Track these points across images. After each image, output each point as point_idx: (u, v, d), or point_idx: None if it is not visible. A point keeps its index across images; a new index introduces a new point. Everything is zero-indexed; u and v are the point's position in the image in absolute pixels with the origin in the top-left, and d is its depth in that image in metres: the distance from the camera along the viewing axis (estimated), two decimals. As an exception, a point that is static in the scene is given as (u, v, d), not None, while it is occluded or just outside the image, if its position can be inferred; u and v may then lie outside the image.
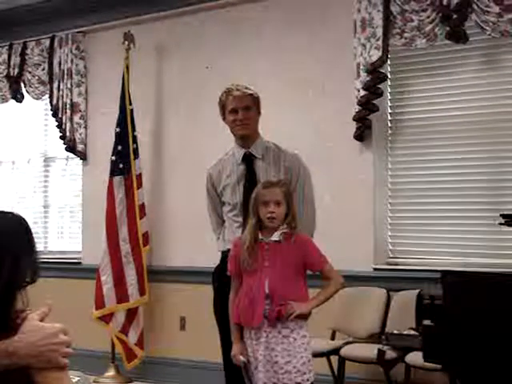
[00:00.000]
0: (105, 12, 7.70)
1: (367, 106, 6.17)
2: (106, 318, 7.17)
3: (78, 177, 8.19)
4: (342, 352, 5.78)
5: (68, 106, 7.92)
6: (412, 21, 5.95)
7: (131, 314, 7.18)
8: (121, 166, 7.23)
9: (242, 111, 4.66)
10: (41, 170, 8.59)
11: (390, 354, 5.52)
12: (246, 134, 4.70)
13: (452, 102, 6.14)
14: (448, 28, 5.77)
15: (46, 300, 2.06)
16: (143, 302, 7.22)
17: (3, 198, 8.73)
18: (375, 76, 6.11)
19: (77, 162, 8.15)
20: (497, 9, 5.55)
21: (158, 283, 7.32)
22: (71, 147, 7.94)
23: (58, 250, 8.36)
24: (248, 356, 4.18)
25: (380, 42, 6.05)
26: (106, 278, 7.16)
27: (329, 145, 6.46)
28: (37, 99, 8.32)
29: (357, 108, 6.21)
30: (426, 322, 4.68)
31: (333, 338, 6.14)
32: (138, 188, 7.26)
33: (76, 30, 7.97)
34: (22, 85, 8.33)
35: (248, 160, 4.70)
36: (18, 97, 8.37)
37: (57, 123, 8.02)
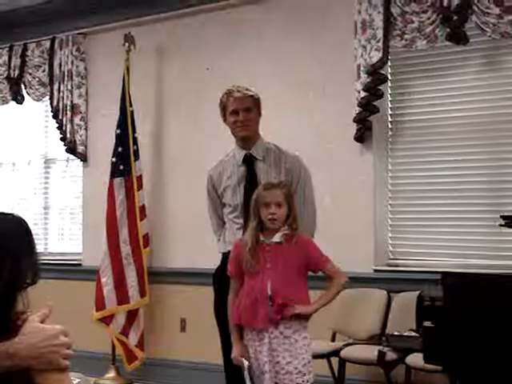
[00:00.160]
0: (105, 13, 7.70)
1: (368, 108, 6.17)
2: (107, 320, 7.17)
3: (79, 178, 8.18)
4: (343, 353, 5.78)
5: (68, 107, 7.92)
6: (412, 22, 5.95)
7: (132, 316, 7.18)
8: (121, 167, 7.23)
9: (242, 112, 4.66)
10: (41, 171, 8.59)
11: (391, 355, 5.52)
12: (246, 136, 4.70)
13: (452, 103, 6.14)
14: (448, 29, 5.77)
15: (46, 302, 2.06)
16: (144, 303, 7.22)
17: (3, 199, 8.73)
18: (376, 77, 6.11)
19: (77, 163, 8.15)
20: (497, 10, 5.55)
21: (158, 285, 7.32)
22: (71, 149, 7.94)
23: (59, 252, 8.36)
24: (249, 357, 4.18)
25: (380, 44, 6.05)
26: (107, 280, 7.16)
27: (329, 146, 6.46)
28: (37, 101, 8.33)
29: (357, 109, 6.21)
30: (427, 324, 4.68)
31: (333, 340, 6.14)
32: (139, 190, 7.26)
33: (76, 32, 7.97)
34: (23, 86, 8.34)
35: (249, 161, 4.70)
36: (18, 98, 8.37)
37: (57, 125, 8.02)
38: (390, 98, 6.40)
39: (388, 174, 6.39)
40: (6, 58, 8.41)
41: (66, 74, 7.94)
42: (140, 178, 7.30)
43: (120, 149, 7.25)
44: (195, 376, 7.01)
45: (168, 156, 7.47)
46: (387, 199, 6.38)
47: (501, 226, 4.90)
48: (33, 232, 2.12)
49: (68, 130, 7.93)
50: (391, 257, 6.35)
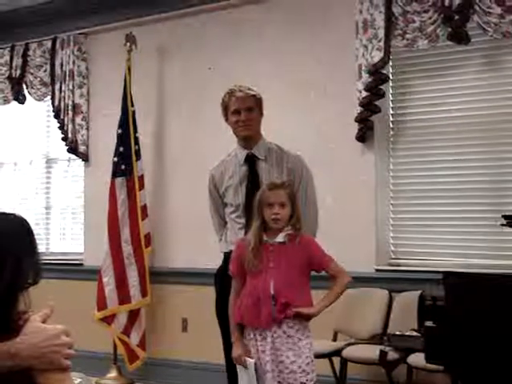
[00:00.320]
0: (106, 13, 7.71)
1: (369, 108, 6.17)
2: (108, 320, 7.17)
3: (80, 178, 8.19)
4: (344, 353, 5.78)
5: (70, 107, 7.92)
6: (414, 22, 5.95)
7: (133, 316, 7.18)
8: (123, 167, 7.23)
9: (244, 112, 4.66)
10: (43, 171, 8.60)
11: (392, 355, 5.51)
12: (248, 135, 4.70)
13: (454, 103, 6.14)
14: (450, 29, 5.77)
15: (47, 301, 2.06)
16: (145, 303, 7.22)
17: (5, 199, 8.73)
18: (377, 77, 6.11)
19: (79, 163, 8.15)
20: (499, 10, 5.55)
21: (159, 284, 7.32)
22: (73, 148, 7.94)
23: (60, 252, 8.36)
24: (251, 357, 4.18)
25: (382, 44, 6.05)
26: (108, 280, 7.16)
27: (331, 146, 6.46)
28: (39, 100, 8.33)
29: (359, 109, 6.21)
30: (428, 323, 4.68)
31: (335, 339, 6.14)
32: (140, 189, 7.26)
33: (78, 32, 7.97)
34: (24, 86, 8.34)
35: (250, 161, 4.70)
36: (20, 98, 8.38)
37: (59, 124, 8.03)
38: (391, 98, 6.40)
39: (389, 173, 6.39)
40: (7, 57, 8.41)
41: (67, 73, 7.94)
42: (141, 177, 7.30)
43: (121, 148, 7.25)
44: (197, 376, 7.01)
45: (169, 156, 7.47)
46: (389, 199, 6.38)
47: (502, 225, 4.89)
48: (34, 232, 2.12)
49: (69, 129, 7.93)
50: (393, 256, 6.35)
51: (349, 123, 6.28)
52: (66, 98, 7.94)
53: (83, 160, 8.01)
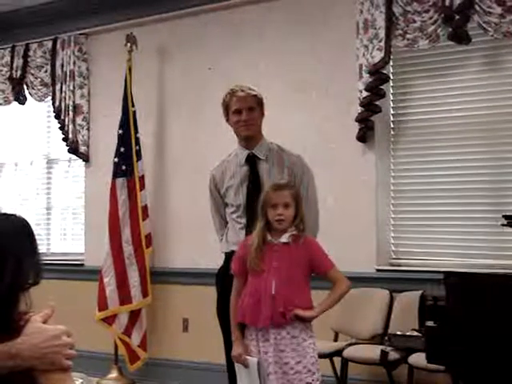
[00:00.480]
0: (107, 14, 7.71)
1: (369, 108, 6.17)
2: (109, 320, 7.17)
3: (81, 178, 8.19)
4: (345, 353, 5.78)
5: (70, 107, 7.92)
6: (414, 22, 5.95)
7: (134, 316, 7.18)
8: (123, 167, 7.23)
9: (245, 112, 4.65)
10: (43, 171, 8.60)
11: (393, 355, 5.52)
12: (249, 135, 4.70)
13: (454, 103, 6.13)
14: (450, 29, 5.77)
15: (48, 302, 2.06)
16: (146, 303, 7.22)
17: (6, 199, 8.73)
18: (377, 77, 6.11)
19: (79, 163, 8.15)
20: (499, 10, 5.55)
21: (160, 285, 7.33)
22: (74, 149, 7.94)
23: (61, 252, 8.37)
24: (254, 356, 4.18)
25: (382, 43, 6.05)
26: (109, 280, 7.16)
27: (331, 146, 6.46)
28: (39, 101, 8.33)
29: (359, 109, 6.21)
30: (429, 323, 4.68)
31: (336, 340, 6.14)
32: (141, 190, 7.26)
33: (78, 32, 7.97)
34: (25, 87, 8.34)
35: (251, 161, 4.69)
36: (20, 99, 8.38)
37: (59, 125, 8.03)
38: (391, 98, 6.40)
39: (390, 173, 6.39)
40: (8, 58, 8.41)
41: (68, 74, 7.94)
42: (142, 178, 7.30)
43: (122, 149, 7.25)
44: (197, 376, 7.01)
45: (170, 156, 7.47)
46: (389, 199, 6.38)
47: (503, 225, 4.90)
48: (35, 232, 2.12)
49: (70, 130, 7.93)
50: (393, 256, 6.35)
51: (349, 123, 6.28)
52: (67, 98, 7.94)
53: (84, 160, 8.02)
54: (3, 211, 2.11)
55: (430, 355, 4.58)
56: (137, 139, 7.29)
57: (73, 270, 8.04)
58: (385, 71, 6.15)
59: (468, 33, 5.76)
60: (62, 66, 8.00)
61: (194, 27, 7.31)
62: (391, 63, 6.26)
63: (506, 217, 4.85)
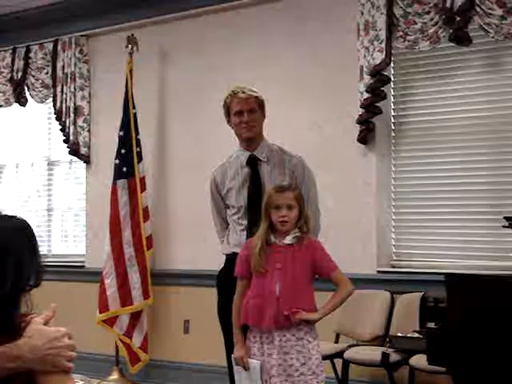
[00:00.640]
0: (108, 16, 7.71)
1: (370, 109, 6.17)
2: (110, 322, 7.17)
3: (82, 180, 8.19)
4: (346, 355, 5.77)
5: (71, 109, 7.92)
6: (415, 23, 5.95)
7: (135, 318, 7.18)
8: (124, 169, 7.23)
9: (247, 114, 4.64)
10: (44, 173, 8.60)
11: (394, 356, 5.52)
12: (250, 137, 4.69)
13: (455, 104, 6.13)
14: (451, 30, 5.77)
15: (49, 304, 2.06)
16: (147, 305, 7.22)
17: (7, 201, 8.74)
18: (378, 79, 6.11)
19: (80, 165, 8.16)
20: (500, 11, 5.55)
21: (161, 286, 7.33)
22: (75, 151, 7.95)
23: (62, 254, 8.38)
24: (256, 359, 4.16)
25: (383, 45, 6.05)
26: (110, 282, 7.16)
27: (332, 147, 6.45)
28: (40, 103, 8.34)
29: (360, 111, 6.21)
30: (430, 325, 4.69)
31: (337, 341, 6.14)
32: (142, 191, 7.26)
33: (79, 34, 7.98)
34: (26, 88, 8.35)
35: (252, 163, 4.69)
36: (21, 100, 8.39)
37: (60, 127, 8.03)
38: (392, 100, 6.40)
39: (391, 174, 6.39)
40: (9, 60, 8.42)
41: (68, 75, 7.95)
42: (143, 179, 7.31)
43: (123, 150, 7.26)
44: (198, 378, 7.01)
45: (171, 158, 7.47)
46: (390, 200, 6.38)
47: (504, 227, 4.90)
48: (36, 234, 2.12)
49: (71, 131, 7.93)
50: (394, 258, 6.34)
51: (350, 125, 6.28)
52: (68, 100, 7.94)
53: (85, 162, 8.02)
54: (4, 213, 2.12)
55: (431, 357, 4.58)
56: (137, 141, 7.29)
57: (74, 272, 8.04)
58: (386, 73, 6.15)
59: (469, 34, 5.75)
60: (63, 67, 8.01)
61: (194, 29, 7.31)
62: (392, 65, 6.26)
63: (507, 218, 4.85)
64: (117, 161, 7.27)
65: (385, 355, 5.50)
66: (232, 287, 4.39)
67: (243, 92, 4.68)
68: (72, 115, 7.92)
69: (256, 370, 4.12)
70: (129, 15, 7.59)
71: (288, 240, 4.16)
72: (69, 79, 7.95)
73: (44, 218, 8.56)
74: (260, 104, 4.72)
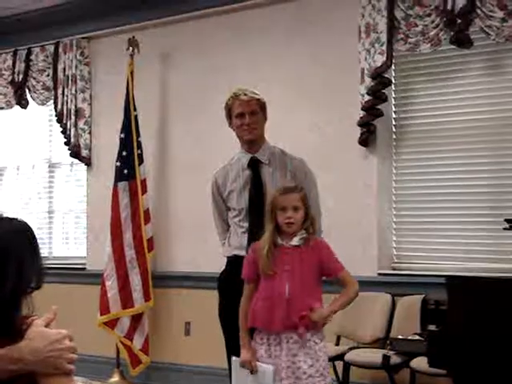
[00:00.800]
0: (109, 18, 7.71)
1: (371, 111, 6.17)
2: (111, 324, 7.17)
3: (83, 182, 8.19)
4: (347, 357, 5.77)
5: (72, 111, 7.93)
6: (416, 26, 5.95)
7: (136, 320, 7.18)
8: (125, 171, 7.24)
9: (248, 116, 4.64)
10: (45, 175, 8.60)
11: (395, 359, 5.51)
12: (252, 139, 4.68)
13: (456, 106, 6.13)
14: (452, 33, 5.77)
15: (50, 306, 2.06)
16: (148, 307, 7.22)
17: (8, 203, 8.74)
18: (379, 81, 6.11)
19: (81, 167, 8.16)
20: (501, 14, 5.55)
21: (162, 289, 7.33)
22: (76, 153, 7.95)
23: (63, 256, 8.37)
24: (264, 362, 4.15)
25: (384, 47, 6.05)
26: (111, 284, 7.16)
27: (333, 150, 6.45)
28: (41, 105, 8.34)
29: (361, 113, 6.22)
30: (431, 327, 4.69)
31: (337, 344, 6.13)
32: (143, 193, 7.26)
33: (80, 36, 7.98)
34: (27, 91, 8.35)
35: (254, 165, 4.69)
36: (22, 103, 8.39)
37: (61, 129, 8.04)
38: (393, 102, 6.40)
39: (392, 177, 6.39)
40: (10, 62, 8.42)
41: (70, 78, 7.95)
42: (144, 181, 7.31)
43: (124, 153, 7.26)
44: (199, 380, 7.01)
45: (172, 160, 7.47)
46: (391, 203, 6.38)
47: (505, 229, 4.90)
48: (37, 236, 2.12)
49: (72, 134, 7.94)
50: (395, 260, 6.34)
51: (351, 127, 6.28)
52: (69, 102, 7.94)
53: (86, 164, 8.02)
54: (5, 215, 2.12)
55: (432, 359, 4.58)
56: (139, 143, 7.30)
57: (75, 274, 8.04)
58: (387, 75, 6.15)
59: (470, 37, 5.75)
60: (64, 69, 8.01)
61: (195, 31, 7.31)
62: (393, 67, 6.26)
63: (507, 221, 4.85)
64: (118, 163, 7.27)
65: (386, 357, 5.50)
66: (233, 289, 4.38)
67: (245, 94, 4.68)
68: (73, 117, 7.93)
69: (268, 375, 4.10)
70: (130, 17, 7.60)
71: (295, 241, 4.16)
72: (70, 81, 7.95)
73: (45, 220, 8.56)
74: (262, 106, 4.71)
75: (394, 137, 6.40)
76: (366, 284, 6.10)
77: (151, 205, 7.37)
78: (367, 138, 6.27)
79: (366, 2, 6.20)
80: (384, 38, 6.06)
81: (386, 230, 6.34)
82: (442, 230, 6.17)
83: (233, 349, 4.38)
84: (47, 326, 2.01)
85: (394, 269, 6.30)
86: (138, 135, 7.30)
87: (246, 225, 4.61)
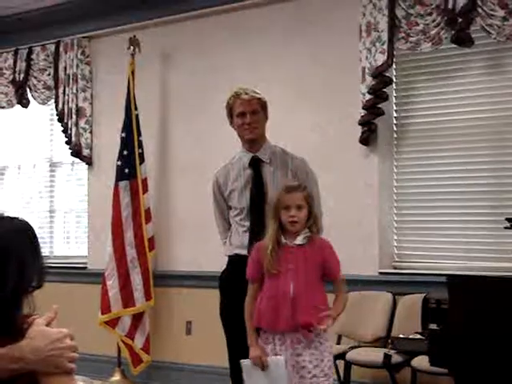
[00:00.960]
0: (110, 17, 7.71)
1: (372, 110, 6.17)
2: (112, 323, 7.17)
3: (84, 182, 8.19)
4: (348, 356, 5.77)
5: (73, 110, 7.93)
6: (417, 25, 5.95)
7: (137, 319, 7.17)
8: (126, 170, 7.24)
9: (249, 115, 4.65)
10: (46, 174, 8.61)
11: (396, 358, 5.51)
12: (253, 138, 4.69)
13: (457, 105, 6.13)
14: (453, 32, 5.77)
15: (51, 305, 2.06)
16: (149, 306, 7.22)
17: (9, 202, 8.74)
18: (380, 80, 6.11)
19: (82, 166, 8.16)
20: (502, 12, 5.54)
21: (163, 288, 7.32)
22: (77, 152, 7.95)
23: (64, 255, 8.37)
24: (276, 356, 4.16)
25: (385, 46, 6.05)
26: (112, 283, 7.16)
27: (334, 149, 6.45)
28: (42, 104, 8.34)
29: (362, 112, 6.21)
30: (432, 326, 4.68)
31: (339, 343, 6.13)
32: (144, 193, 7.26)
33: (81, 35, 7.98)
34: (28, 90, 8.35)
35: (255, 164, 4.69)
36: (23, 102, 8.39)
37: (62, 128, 8.04)
38: (394, 101, 6.40)
39: (393, 176, 6.39)
40: (11, 61, 8.42)
41: (70, 77, 7.95)
42: (145, 181, 7.31)
43: (125, 152, 7.26)
44: (201, 379, 7.01)
45: (173, 159, 7.47)
46: (392, 201, 6.38)
47: (506, 228, 4.90)
48: (38, 235, 2.12)
49: (73, 133, 7.94)
50: (396, 259, 6.34)
51: (352, 126, 6.28)
52: (70, 101, 7.94)
53: (87, 163, 8.02)
54: (6, 214, 2.12)
55: (433, 358, 4.58)
56: (139, 142, 7.30)
57: (76, 273, 8.04)
58: (388, 74, 6.15)
59: (471, 36, 5.75)
60: (65, 69, 8.01)
61: (196, 31, 7.31)
62: (394, 66, 6.26)
63: (508, 219, 4.85)
64: (119, 162, 7.27)
65: (387, 356, 5.50)
66: (235, 288, 4.39)
67: (246, 93, 4.68)
68: (74, 117, 7.93)
69: (281, 365, 4.09)
70: (131, 17, 7.59)
71: (299, 241, 4.17)
72: (71, 81, 7.95)
73: (46, 220, 8.56)
74: (263, 105, 4.72)
75: (395, 136, 6.40)
76: (367, 283, 6.12)
77: (152, 204, 7.37)
78: (368, 137, 6.26)
79: (367, 0, 6.20)
80: (385, 36, 6.06)
81: (386, 229, 6.33)
82: (443, 229, 6.17)
83: (234, 348, 4.38)
84: (48, 325, 2.01)
85: (395, 268, 6.30)
86: (139, 134, 7.30)
87: (247, 224, 4.62)
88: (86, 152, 7.94)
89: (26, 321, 2.00)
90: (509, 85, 5.94)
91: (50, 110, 8.43)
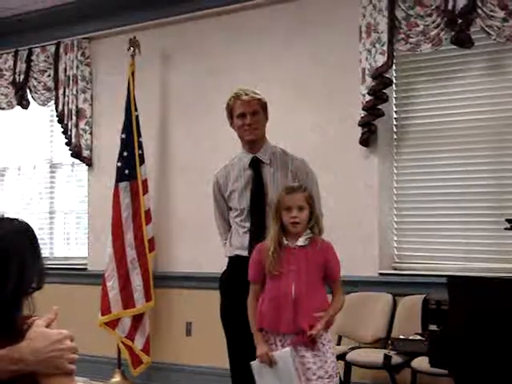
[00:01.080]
0: (110, 18, 7.71)
1: (372, 111, 6.17)
2: (112, 324, 7.17)
3: (84, 183, 8.19)
4: (348, 357, 5.77)
5: (73, 112, 7.93)
6: (417, 26, 5.95)
7: (137, 320, 7.17)
8: (126, 171, 7.24)
9: (249, 116, 4.65)
10: (46, 176, 8.60)
11: (396, 359, 5.51)
12: (253, 139, 4.69)
13: (457, 106, 6.13)
14: (453, 33, 5.77)
15: (52, 306, 2.06)
16: (149, 307, 7.22)
17: (9, 203, 8.74)
18: (380, 81, 6.11)
19: (82, 167, 8.16)
20: (502, 14, 5.55)
21: (163, 289, 7.32)
22: (77, 153, 7.95)
23: (64, 256, 8.37)
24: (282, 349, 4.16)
25: (385, 47, 6.05)
26: (112, 284, 7.16)
27: (334, 150, 6.45)
28: (42, 105, 8.34)
29: (362, 113, 6.21)
30: (432, 327, 4.68)
31: (339, 343, 6.13)
32: (144, 194, 7.26)
33: (81, 37, 7.98)
34: (28, 91, 8.35)
35: (255, 165, 4.69)
36: (23, 103, 8.39)
37: (62, 129, 8.04)
38: (394, 102, 6.40)
39: (393, 177, 6.39)
40: (11, 62, 8.42)
41: (71, 78, 7.95)
42: (145, 182, 7.30)
43: (125, 153, 7.26)
44: (201, 380, 7.01)
45: (173, 160, 7.47)
46: (392, 202, 6.38)
47: (506, 229, 4.90)
48: (38, 236, 2.12)
49: (73, 134, 7.94)
50: (396, 260, 6.34)
51: (352, 127, 6.28)
52: (70, 102, 7.94)
53: (87, 165, 8.02)
54: (6, 216, 2.12)
55: (433, 359, 4.58)
56: (140, 143, 7.30)
57: (76, 275, 8.04)
58: (388, 75, 6.15)
59: (471, 37, 5.75)
60: (65, 70, 8.01)
61: (196, 32, 7.31)
62: (394, 67, 6.26)
63: (508, 220, 4.85)
64: (119, 163, 7.27)
65: (387, 357, 5.50)
66: (235, 289, 4.39)
67: (246, 94, 4.68)
68: (74, 118, 7.93)
69: (287, 357, 4.09)
70: (131, 18, 7.60)
71: (301, 242, 4.17)
72: (71, 82, 7.95)
73: (46, 221, 8.56)
74: (263, 106, 4.72)
75: (395, 137, 6.40)
76: (367, 284, 6.12)
77: (152, 205, 7.37)
78: (368, 138, 6.26)
79: (367, 1, 6.20)
80: (385, 37, 6.06)
81: (386, 229, 6.33)
82: (443, 229, 6.17)
83: (234, 349, 4.38)
84: (48, 326, 2.01)
85: (395, 269, 6.30)
86: (139, 135, 7.30)
87: (247, 225, 4.62)
88: (86, 153, 7.94)
89: (25, 322, 2.00)
90: (509, 86, 5.94)
91: (50, 111, 8.44)
